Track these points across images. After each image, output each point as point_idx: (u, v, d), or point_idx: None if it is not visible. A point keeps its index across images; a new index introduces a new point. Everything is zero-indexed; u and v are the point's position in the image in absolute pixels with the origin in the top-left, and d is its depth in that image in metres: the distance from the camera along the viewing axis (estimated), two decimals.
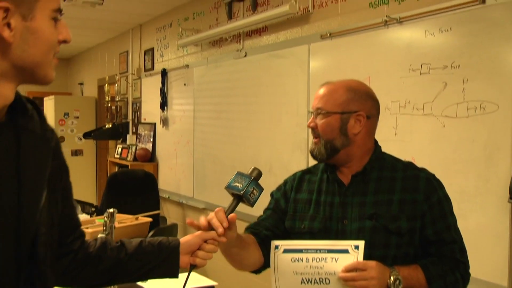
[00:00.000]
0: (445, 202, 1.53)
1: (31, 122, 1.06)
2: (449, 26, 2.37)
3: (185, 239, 1.37)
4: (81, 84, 8.38)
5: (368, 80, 2.71)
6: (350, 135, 1.53)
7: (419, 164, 1.61)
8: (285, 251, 1.42)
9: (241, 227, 1.50)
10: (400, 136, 2.60)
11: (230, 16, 4.15)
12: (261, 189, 1.40)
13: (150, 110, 5.65)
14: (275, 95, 3.58)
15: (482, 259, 2.17)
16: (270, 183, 1.60)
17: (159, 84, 5.25)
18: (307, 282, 1.39)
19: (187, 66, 4.83)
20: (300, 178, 1.67)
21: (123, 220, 3.26)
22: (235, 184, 1.39)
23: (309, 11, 3.31)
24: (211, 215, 1.36)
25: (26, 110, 1.06)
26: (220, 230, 1.33)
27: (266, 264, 1.55)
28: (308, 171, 1.70)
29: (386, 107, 2.63)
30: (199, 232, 1.37)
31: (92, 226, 2.99)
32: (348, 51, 2.95)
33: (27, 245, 1.02)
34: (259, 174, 1.42)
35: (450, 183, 1.69)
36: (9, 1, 0.94)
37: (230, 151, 4.13)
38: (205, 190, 4.54)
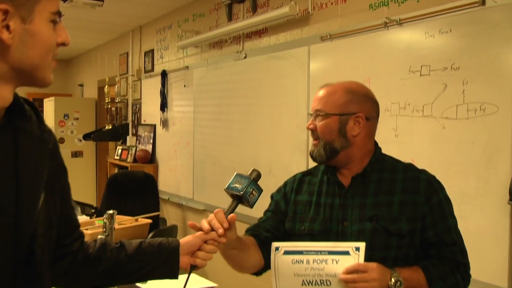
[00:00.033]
0: (445, 203, 1.53)
1: (29, 124, 1.06)
2: (449, 27, 2.37)
3: (185, 240, 1.37)
4: (81, 85, 8.38)
5: (368, 81, 2.71)
6: (349, 136, 1.53)
7: (419, 165, 1.61)
8: (286, 252, 1.41)
9: (240, 228, 1.49)
10: (400, 138, 2.60)
11: (230, 17, 4.15)
12: (260, 190, 1.40)
13: (150, 112, 5.64)
14: (275, 97, 3.58)
15: (482, 261, 2.17)
16: (270, 184, 1.60)
17: (159, 86, 5.25)
18: (308, 284, 1.38)
19: (187, 67, 4.84)
20: (300, 180, 1.67)
21: (123, 222, 3.25)
22: (235, 185, 1.40)
23: (309, 12, 3.31)
24: (211, 216, 1.37)
25: (24, 111, 1.06)
26: (220, 231, 1.34)
27: (266, 266, 1.55)
28: (308, 172, 1.70)
29: (386, 108, 2.63)
30: (199, 232, 1.37)
31: (92, 228, 2.99)
32: (348, 52, 2.95)
33: (25, 246, 1.02)
34: (258, 175, 1.42)
35: (450, 184, 1.68)
36: (9, 3, 0.94)
37: (230, 153, 4.13)
38: (205, 191, 4.54)
